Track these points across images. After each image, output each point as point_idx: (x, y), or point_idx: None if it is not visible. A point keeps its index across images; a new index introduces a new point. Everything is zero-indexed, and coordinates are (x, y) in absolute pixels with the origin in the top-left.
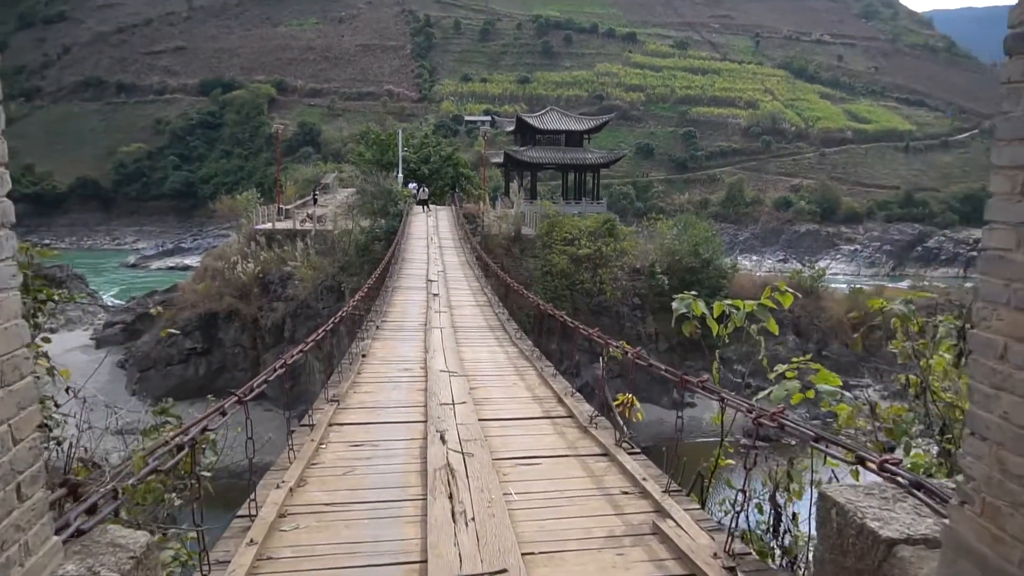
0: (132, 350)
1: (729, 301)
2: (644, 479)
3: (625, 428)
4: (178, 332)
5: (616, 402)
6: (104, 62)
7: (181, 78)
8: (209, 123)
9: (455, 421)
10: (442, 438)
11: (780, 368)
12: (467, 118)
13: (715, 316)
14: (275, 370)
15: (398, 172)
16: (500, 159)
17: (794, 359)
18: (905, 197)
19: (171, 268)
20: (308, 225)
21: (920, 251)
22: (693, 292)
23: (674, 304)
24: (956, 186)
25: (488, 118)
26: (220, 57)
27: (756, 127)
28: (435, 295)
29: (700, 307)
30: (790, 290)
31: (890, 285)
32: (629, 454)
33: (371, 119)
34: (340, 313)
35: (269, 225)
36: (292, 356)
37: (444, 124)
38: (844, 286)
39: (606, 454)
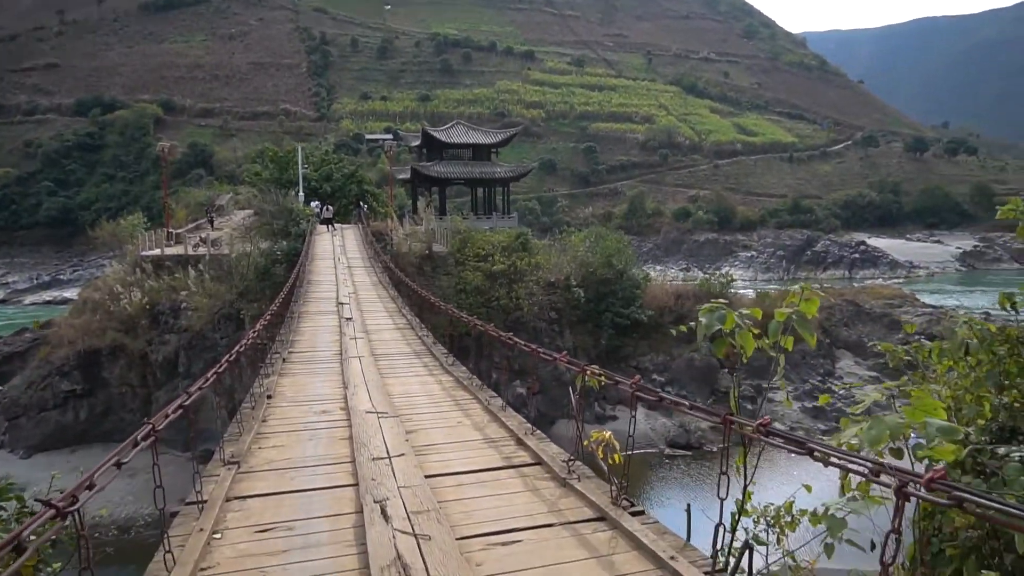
0: None
1: (745, 310)
2: (673, 557)
3: (617, 480)
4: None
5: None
6: None
7: (54, 97)
8: (88, 145)
9: (396, 483)
10: (383, 512)
11: (867, 395)
12: (368, 136)
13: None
14: (174, 409)
15: (299, 191)
16: (406, 175)
17: (886, 383)
18: (793, 205)
19: (48, 302)
20: (202, 249)
21: (810, 255)
22: (723, 300)
23: (701, 319)
24: (836, 193)
25: (389, 136)
26: (98, 75)
27: (653, 141)
28: (348, 319)
29: (735, 319)
30: (819, 293)
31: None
32: (633, 515)
33: (267, 139)
34: (238, 347)
35: (157, 251)
36: (190, 397)
37: (345, 143)
38: (748, 291)
39: (603, 518)
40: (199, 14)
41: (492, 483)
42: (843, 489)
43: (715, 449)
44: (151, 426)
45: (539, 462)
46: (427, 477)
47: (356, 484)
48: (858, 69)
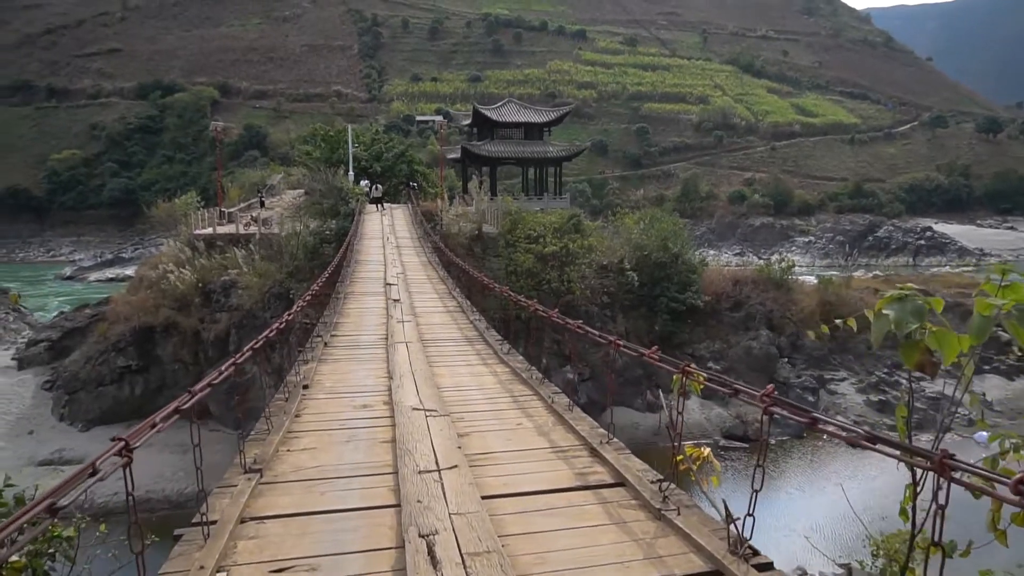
0: (59, 370)
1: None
2: None
3: (736, 525)
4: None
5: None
6: (32, 65)
7: (117, 81)
8: (149, 127)
9: (447, 507)
10: (430, 553)
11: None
12: (418, 118)
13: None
14: (215, 377)
15: (349, 170)
16: (456, 155)
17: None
18: (854, 188)
19: (111, 280)
20: (253, 228)
21: (872, 240)
22: (912, 287)
23: (887, 312)
24: (901, 176)
25: (439, 117)
26: (158, 59)
27: (707, 122)
28: (396, 300)
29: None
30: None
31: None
32: (760, 570)
33: (319, 120)
34: (277, 323)
35: (210, 230)
36: (220, 375)
37: (395, 125)
38: (810, 277)
39: (719, 573)
40: None
41: (566, 511)
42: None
43: (773, 442)
44: (191, 393)
45: (621, 482)
46: (484, 498)
47: (398, 505)
48: (926, 46)
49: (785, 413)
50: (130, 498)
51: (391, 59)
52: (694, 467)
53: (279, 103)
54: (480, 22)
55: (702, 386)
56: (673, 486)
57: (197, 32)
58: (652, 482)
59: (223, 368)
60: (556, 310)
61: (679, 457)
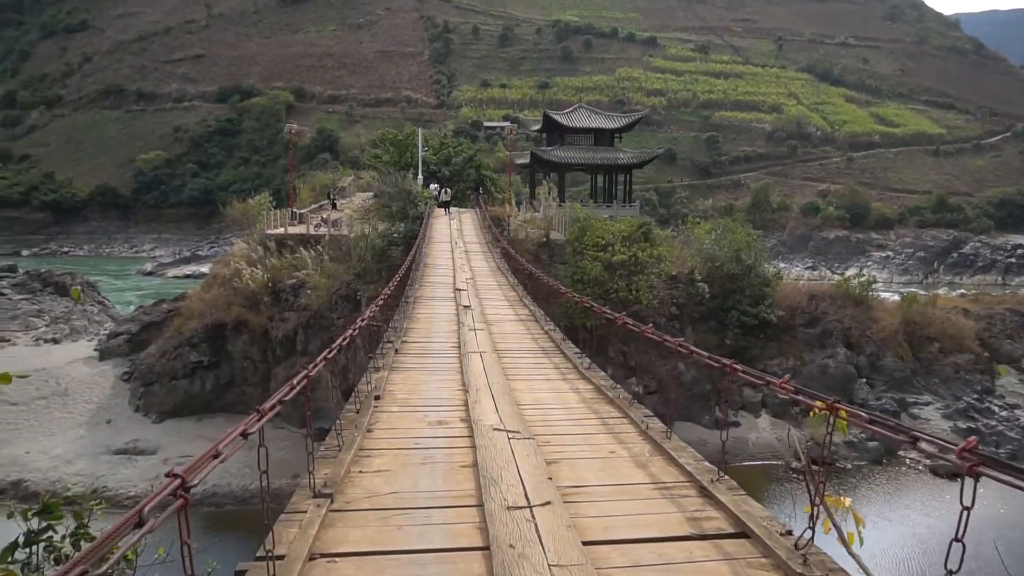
0: (136, 362)
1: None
2: None
3: None
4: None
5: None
6: (124, 70)
7: (200, 85)
8: (227, 130)
9: (544, 557)
10: None
11: None
12: (486, 124)
13: None
14: (286, 394)
15: (418, 173)
16: (525, 161)
17: None
18: (938, 202)
19: (188, 276)
20: (323, 230)
21: (956, 257)
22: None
23: None
24: (990, 190)
25: (507, 123)
26: (239, 64)
27: (781, 131)
28: (466, 307)
29: None
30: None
31: (946, 293)
32: None
33: (389, 125)
34: (351, 330)
35: (281, 230)
36: (292, 388)
37: (463, 130)
38: (889, 294)
39: None
40: (331, 5)
41: (684, 568)
42: None
43: (849, 466)
44: (259, 413)
45: (744, 532)
46: (585, 544)
47: (486, 547)
48: (1021, 53)
49: (999, 477)
50: (185, 547)
51: (460, 65)
52: (836, 510)
53: (351, 107)
54: (550, 29)
55: (850, 424)
56: (809, 538)
57: (276, 38)
58: (782, 534)
59: (295, 381)
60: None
61: (812, 506)
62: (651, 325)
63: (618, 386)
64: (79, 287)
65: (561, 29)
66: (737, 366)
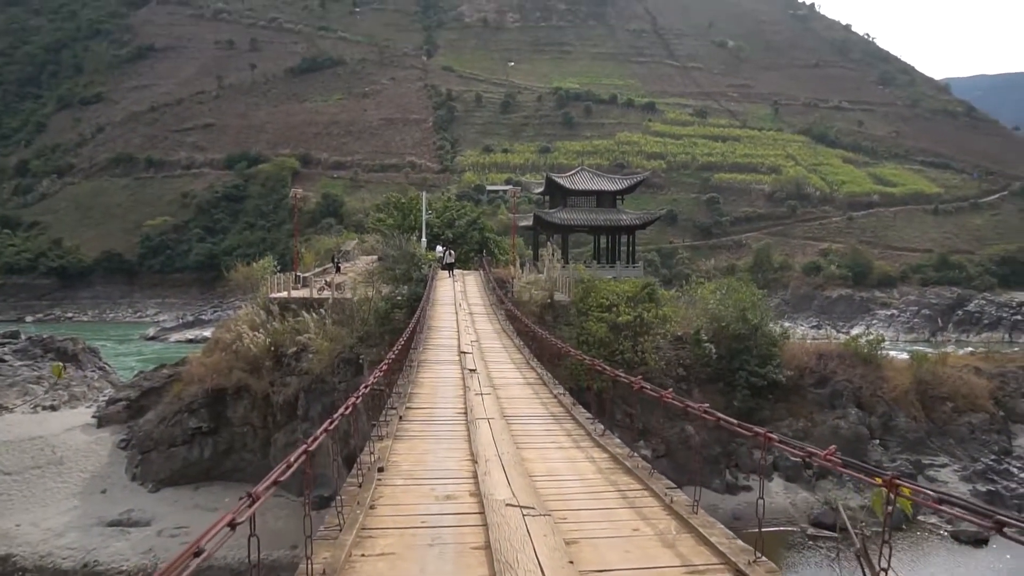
0: (135, 429)
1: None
2: None
3: None
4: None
5: None
6: (136, 139)
7: (209, 153)
8: (234, 196)
9: None
10: None
11: None
12: (489, 187)
13: None
14: (281, 473)
15: (421, 236)
16: (528, 223)
17: None
18: (940, 260)
19: (190, 340)
20: (326, 293)
21: (961, 315)
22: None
23: None
24: (992, 248)
25: (510, 187)
26: (247, 132)
27: (780, 192)
28: (472, 371)
29: None
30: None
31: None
32: None
33: (393, 189)
34: (353, 398)
35: (284, 294)
36: (290, 466)
37: (466, 194)
38: (897, 352)
39: None
40: (338, 75)
41: None
42: None
43: (868, 533)
44: (250, 498)
45: None
46: None
47: None
48: (1011, 115)
49: None
50: None
51: (464, 131)
52: None
53: (356, 173)
54: (551, 96)
55: (914, 502)
56: None
57: (283, 107)
58: None
59: (292, 458)
60: (640, 377)
61: None
62: (671, 390)
63: (635, 455)
64: (61, 365)
65: (562, 96)
66: (772, 435)
